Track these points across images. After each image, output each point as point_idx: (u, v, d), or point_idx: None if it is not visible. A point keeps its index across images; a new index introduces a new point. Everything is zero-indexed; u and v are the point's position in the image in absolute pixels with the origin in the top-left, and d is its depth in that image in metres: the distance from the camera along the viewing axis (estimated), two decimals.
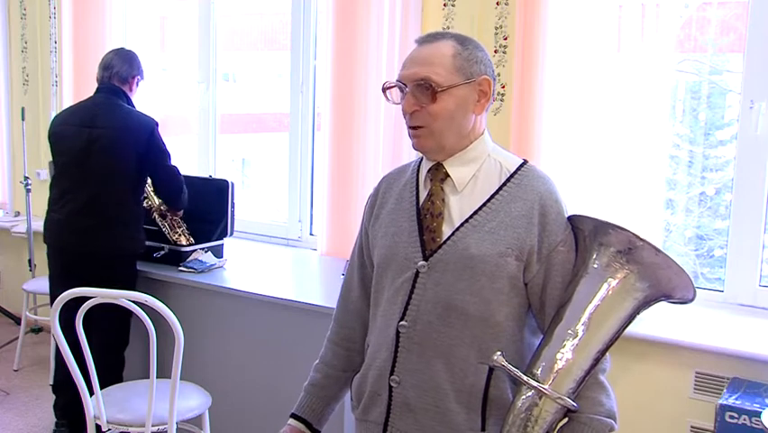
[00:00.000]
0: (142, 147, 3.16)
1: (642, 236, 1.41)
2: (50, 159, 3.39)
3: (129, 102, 3.30)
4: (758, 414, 2.37)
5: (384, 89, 1.59)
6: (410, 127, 1.55)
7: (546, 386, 1.42)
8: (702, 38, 3.20)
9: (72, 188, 3.19)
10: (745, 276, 2.93)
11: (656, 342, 2.71)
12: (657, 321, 2.81)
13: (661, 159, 3.05)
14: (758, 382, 2.58)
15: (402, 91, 1.54)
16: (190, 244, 3.43)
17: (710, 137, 3.32)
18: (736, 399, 2.47)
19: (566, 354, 1.43)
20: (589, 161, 3.05)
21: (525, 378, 1.43)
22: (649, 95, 2.98)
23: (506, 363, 1.44)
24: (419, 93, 1.51)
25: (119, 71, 3.27)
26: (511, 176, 1.55)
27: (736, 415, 2.42)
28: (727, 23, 3.13)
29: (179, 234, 3.43)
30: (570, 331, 1.44)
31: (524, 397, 1.45)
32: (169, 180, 3.30)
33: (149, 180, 3.37)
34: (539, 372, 1.44)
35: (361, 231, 1.73)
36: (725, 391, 2.55)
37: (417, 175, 1.63)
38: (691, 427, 2.70)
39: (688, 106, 3.35)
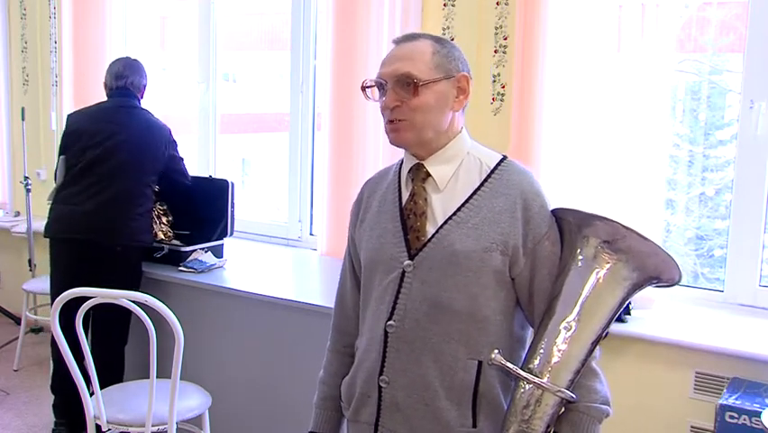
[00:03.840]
0: (165, 148, 3.34)
1: (625, 224, 1.43)
2: (60, 154, 3.37)
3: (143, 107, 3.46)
4: (758, 414, 2.37)
5: (363, 88, 1.61)
6: (389, 121, 1.56)
7: (545, 380, 1.44)
8: (702, 38, 3.20)
9: (97, 183, 3.22)
10: (745, 276, 2.93)
11: (656, 342, 2.71)
12: (657, 321, 2.81)
13: (661, 159, 3.05)
14: (758, 382, 2.57)
15: (382, 88, 1.56)
16: (166, 239, 3.46)
17: (710, 137, 3.33)
18: (736, 399, 2.47)
19: (561, 346, 1.45)
20: (589, 161, 3.05)
21: (523, 374, 1.45)
22: (649, 95, 2.98)
23: (504, 361, 1.46)
24: (400, 88, 1.53)
25: (133, 81, 3.41)
26: (492, 172, 1.57)
27: (735, 415, 2.42)
28: (727, 23, 3.13)
29: (157, 227, 3.47)
30: (563, 324, 1.46)
31: (523, 392, 1.46)
32: (178, 182, 3.52)
33: None
34: (536, 366, 1.46)
35: (348, 238, 1.74)
36: (725, 391, 2.55)
37: (399, 177, 1.64)
38: (691, 427, 2.70)
39: (688, 106, 3.35)
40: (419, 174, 1.58)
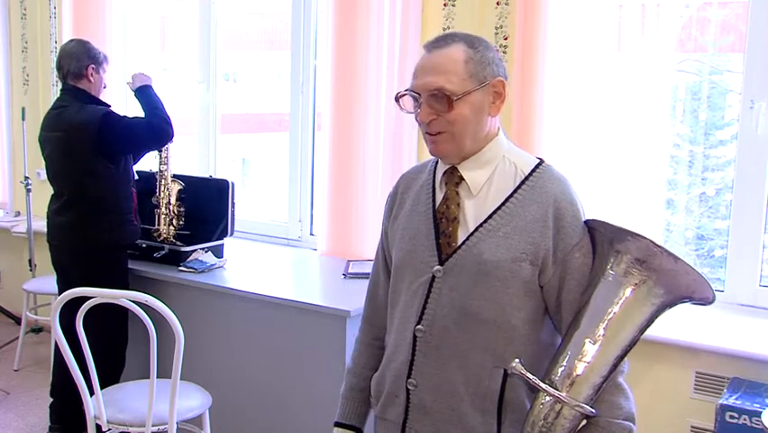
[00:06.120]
0: (97, 141, 3.12)
1: (659, 243, 1.40)
2: None
3: (87, 97, 3.26)
4: (758, 414, 2.37)
5: (397, 98, 1.57)
6: (428, 133, 1.53)
7: (564, 394, 1.42)
8: (702, 38, 3.20)
9: (55, 190, 3.31)
10: (745, 276, 2.93)
11: (656, 342, 2.71)
12: (657, 321, 2.80)
13: (661, 159, 3.05)
14: (758, 382, 2.57)
15: (415, 100, 1.52)
16: (165, 241, 3.44)
17: (710, 137, 3.32)
18: (737, 399, 2.47)
19: (584, 360, 1.42)
20: (589, 161, 3.04)
21: (543, 386, 1.43)
22: (649, 95, 2.98)
23: (524, 371, 1.44)
24: (434, 102, 1.49)
25: (69, 69, 3.25)
26: (526, 178, 1.54)
27: (736, 415, 2.42)
28: (728, 22, 3.13)
29: (165, 228, 3.45)
30: (587, 338, 1.43)
31: (542, 404, 1.44)
32: (148, 143, 3.28)
33: (163, 169, 3.43)
34: (557, 378, 1.43)
35: (382, 231, 1.73)
36: (725, 391, 2.55)
37: (434, 177, 1.62)
38: (691, 427, 2.70)
39: (688, 106, 3.35)
40: (453, 178, 1.56)
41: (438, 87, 1.48)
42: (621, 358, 1.45)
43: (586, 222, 1.53)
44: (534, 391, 1.48)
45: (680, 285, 1.41)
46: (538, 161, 1.57)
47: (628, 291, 1.43)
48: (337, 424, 1.74)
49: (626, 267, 1.43)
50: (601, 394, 1.45)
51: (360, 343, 1.77)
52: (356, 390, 1.74)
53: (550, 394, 1.42)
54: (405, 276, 1.59)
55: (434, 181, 1.61)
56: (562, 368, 1.44)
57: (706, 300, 1.43)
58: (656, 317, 1.45)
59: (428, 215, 1.58)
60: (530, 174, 1.54)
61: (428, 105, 1.50)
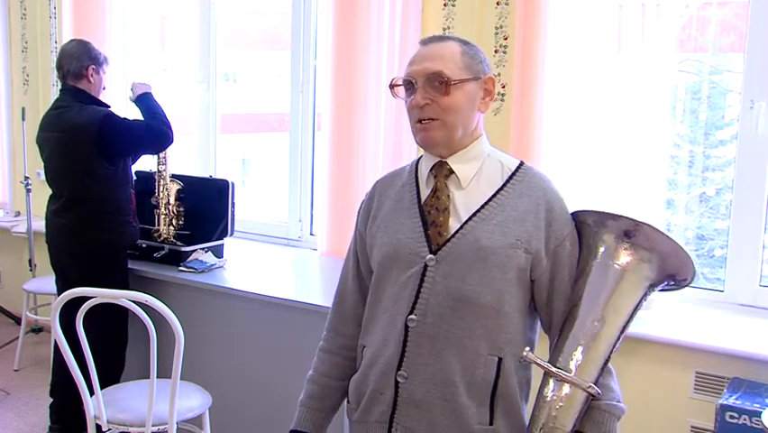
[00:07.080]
0: (97, 142, 3.11)
1: (641, 219, 1.47)
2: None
3: (87, 97, 3.25)
4: (758, 414, 2.37)
5: (391, 86, 1.61)
6: (419, 120, 1.56)
7: (576, 376, 1.46)
8: (702, 38, 3.20)
9: (54, 191, 3.30)
10: (745, 276, 2.93)
11: (656, 342, 2.71)
12: (657, 321, 2.81)
13: (661, 159, 3.06)
14: (758, 382, 2.57)
15: (410, 87, 1.57)
16: (165, 241, 3.43)
17: (710, 137, 3.32)
18: (737, 399, 2.47)
19: (589, 343, 1.47)
20: (589, 161, 3.05)
21: (554, 370, 1.47)
22: (649, 95, 2.98)
23: (535, 358, 1.48)
24: (430, 87, 1.54)
25: (69, 69, 3.24)
26: (513, 174, 1.59)
27: (736, 415, 2.42)
28: (728, 22, 3.13)
29: (164, 228, 3.45)
30: (589, 322, 1.48)
31: (550, 388, 1.48)
32: (148, 146, 3.29)
33: (162, 169, 3.43)
34: (564, 363, 1.48)
35: (354, 237, 1.73)
36: (725, 391, 2.55)
37: (416, 175, 1.64)
38: (691, 427, 2.70)
39: (688, 106, 3.35)
40: (442, 171, 1.59)
41: (436, 70, 1.53)
42: (619, 338, 1.50)
43: (571, 214, 1.59)
44: (546, 376, 1.51)
45: (666, 259, 1.47)
46: (520, 161, 1.64)
47: (622, 271, 1.49)
48: (293, 431, 1.75)
49: (615, 247, 1.50)
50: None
51: (322, 352, 1.75)
52: (315, 398, 1.73)
53: (562, 378, 1.46)
54: (391, 270, 1.59)
55: (416, 178, 1.64)
56: (568, 353, 1.48)
57: (687, 276, 1.49)
58: (647, 296, 1.51)
59: (414, 209, 1.60)
60: (516, 171, 1.61)
61: (424, 89, 1.54)
